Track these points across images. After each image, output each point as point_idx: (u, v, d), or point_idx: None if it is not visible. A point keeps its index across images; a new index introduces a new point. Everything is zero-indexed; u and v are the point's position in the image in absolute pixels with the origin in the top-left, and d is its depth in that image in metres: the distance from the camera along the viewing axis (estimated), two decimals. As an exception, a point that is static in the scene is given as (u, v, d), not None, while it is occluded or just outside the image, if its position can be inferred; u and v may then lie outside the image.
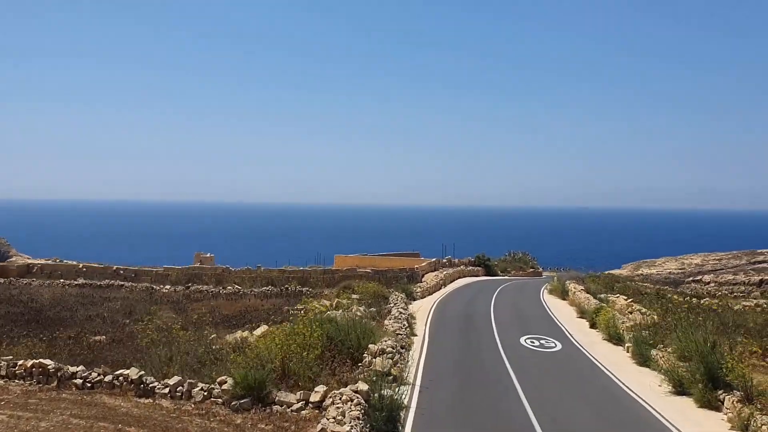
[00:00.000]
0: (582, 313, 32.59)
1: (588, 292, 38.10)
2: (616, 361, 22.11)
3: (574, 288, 39.18)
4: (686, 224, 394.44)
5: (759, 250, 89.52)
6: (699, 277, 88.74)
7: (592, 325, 29.25)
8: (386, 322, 24.54)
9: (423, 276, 50.15)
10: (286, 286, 43.65)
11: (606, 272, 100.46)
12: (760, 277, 75.85)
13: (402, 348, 20.87)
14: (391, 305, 29.58)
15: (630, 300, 36.59)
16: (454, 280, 53.55)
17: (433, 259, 57.64)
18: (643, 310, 32.37)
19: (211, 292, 38.53)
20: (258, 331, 24.15)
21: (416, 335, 25.69)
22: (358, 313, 27.95)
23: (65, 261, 53.75)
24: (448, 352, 22.63)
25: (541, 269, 79.63)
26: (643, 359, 21.59)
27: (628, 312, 32.86)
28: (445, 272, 51.92)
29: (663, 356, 20.28)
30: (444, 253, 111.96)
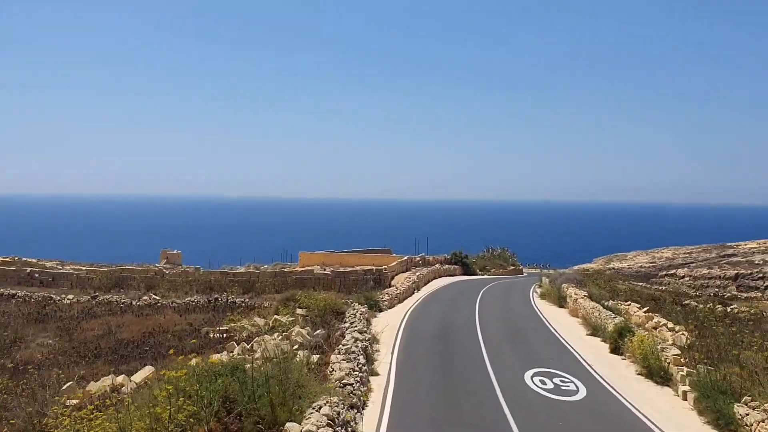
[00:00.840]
0: (594, 330, 25.13)
1: (591, 298, 30.80)
2: (677, 420, 14.57)
3: (574, 294, 31.79)
4: (656, 218, 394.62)
5: (728, 244, 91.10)
6: (672, 271, 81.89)
7: (614, 349, 21.76)
8: (334, 357, 16.68)
9: (392, 278, 42.41)
10: (225, 293, 35.50)
11: (577, 266, 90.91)
12: (736, 271, 69.26)
13: (352, 410, 13.00)
14: (346, 325, 21.72)
15: (646, 309, 29.39)
16: (428, 282, 45.94)
17: (405, 257, 49.96)
18: (669, 324, 25.18)
19: (122, 303, 30.16)
20: (138, 376, 16.07)
21: (378, 374, 17.88)
22: (299, 339, 20.07)
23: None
24: (424, 409, 14.84)
25: (521, 267, 72.59)
26: (717, 418, 14.08)
27: (651, 327, 25.63)
28: (418, 273, 44.26)
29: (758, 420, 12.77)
30: (417, 249, 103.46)
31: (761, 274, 70.21)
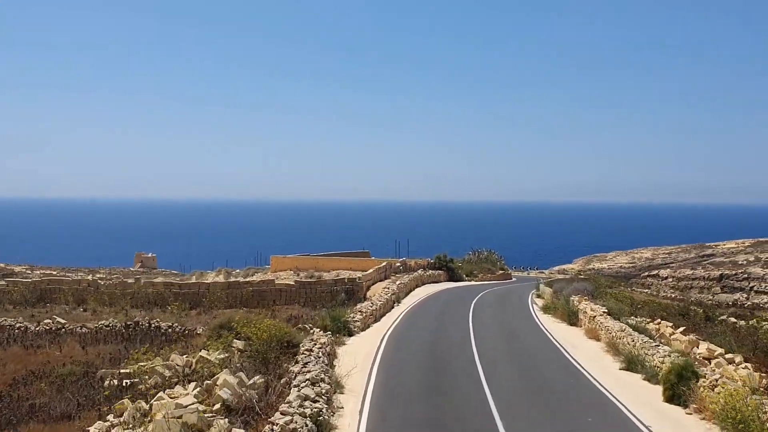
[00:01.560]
0: (629, 363, 18.88)
1: (612, 315, 24.65)
2: None
3: (590, 310, 25.60)
4: (635, 218, 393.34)
5: (707, 244, 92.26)
6: (655, 272, 79.06)
7: (670, 397, 15.50)
8: (266, 430, 10.17)
9: (368, 289, 35.98)
10: (168, 308, 28.74)
11: (558, 267, 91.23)
12: (720, 272, 65.82)
13: None
14: (297, 368, 15.19)
15: (684, 330, 23.33)
16: (410, 291, 39.58)
17: (383, 263, 43.58)
18: (716, 350, 19.16)
19: (17, 327, 23.24)
20: None
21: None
22: (224, 394, 13.56)
23: None
24: None
25: (510, 271, 66.66)
26: None
27: (701, 357, 19.52)
28: (398, 282, 37.84)
29: None
30: (397, 251, 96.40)
31: (746, 275, 65.77)
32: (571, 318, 27.32)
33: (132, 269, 68.23)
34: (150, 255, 70.22)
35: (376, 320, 27.20)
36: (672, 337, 22.24)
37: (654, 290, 68.24)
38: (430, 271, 50.17)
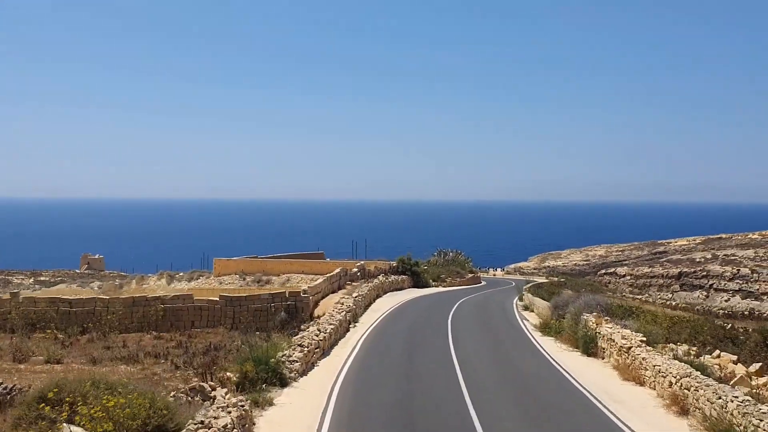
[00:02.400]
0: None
1: (647, 342, 17.57)
2: None
3: (621, 337, 18.38)
4: (587, 217, 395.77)
5: (659, 241, 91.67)
6: (612, 270, 77.56)
7: None
8: None
9: (317, 304, 28.17)
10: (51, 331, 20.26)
11: (513, 265, 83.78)
12: (679, 270, 63.86)
13: None
14: None
15: (758, 368, 16.42)
16: (370, 304, 31.97)
17: (337, 269, 35.79)
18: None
19: None
20: None
21: None
22: None
23: None
24: None
25: (479, 273, 59.79)
26: None
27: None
28: (356, 293, 30.08)
29: None
30: (355, 252, 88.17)
31: (704, 272, 63.83)
32: (587, 345, 20.15)
33: (78, 271, 64.76)
34: (97, 256, 67.60)
35: (324, 354, 19.43)
36: (752, 381, 15.29)
37: (613, 288, 64.94)
38: (393, 277, 42.71)
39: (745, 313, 53.51)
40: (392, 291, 40.64)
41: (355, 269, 38.53)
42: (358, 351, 20.08)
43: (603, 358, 19.32)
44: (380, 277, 39.76)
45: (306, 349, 17.53)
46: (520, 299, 36.26)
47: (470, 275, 53.98)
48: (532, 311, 31.02)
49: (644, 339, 17.76)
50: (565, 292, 35.36)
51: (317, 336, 19.50)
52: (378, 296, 35.83)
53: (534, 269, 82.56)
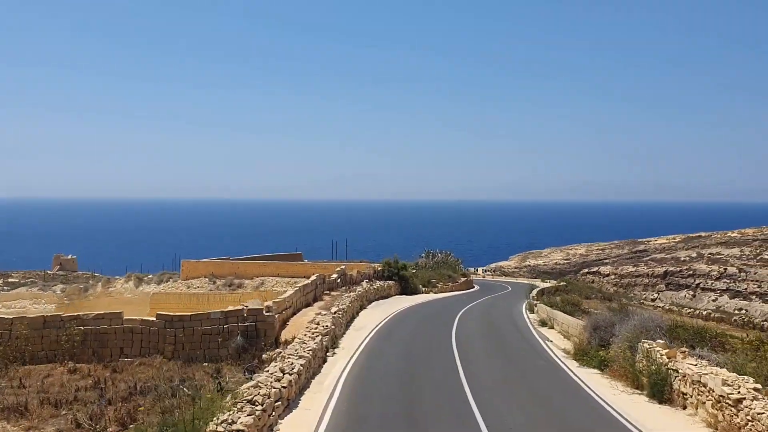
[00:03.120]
0: None
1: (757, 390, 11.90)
2: None
3: (718, 380, 12.59)
4: (566, 216, 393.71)
5: (639, 240, 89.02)
6: (595, 269, 73.95)
7: None
8: None
9: (284, 324, 22.04)
10: None
11: (494, 264, 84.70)
12: (664, 269, 61.10)
13: None
14: None
15: None
16: (353, 319, 25.97)
17: (313, 276, 29.60)
18: None
19: None
20: None
21: None
22: None
23: None
24: None
25: (471, 276, 54.08)
26: None
27: None
28: (335, 308, 23.98)
29: None
30: (335, 252, 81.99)
31: (691, 271, 61.13)
32: (658, 388, 14.38)
33: (50, 272, 62.28)
34: (70, 257, 66.13)
35: (289, 407, 13.38)
36: None
37: (597, 287, 61.28)
38: (378, 283, 36.74)
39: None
40: (378, 299, 34.73)
41: (335, 275, 32.48)
42: (339, 399, 14.06)
43: (684, 408, 13.57)
44: (364, 284, 33.82)
45: (260, 407, 11.45)
46: (530, 310, 30.66)
47: (463, 279, 48.23)
48: (552, 328, 25.31)
49: (757, 386, 12.05)
50: (596, 307, 29.97)
51: (280, 380, 13.44)
52: (362, 307, 29.87)
53: (515, 268, 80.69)
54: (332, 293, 29.26)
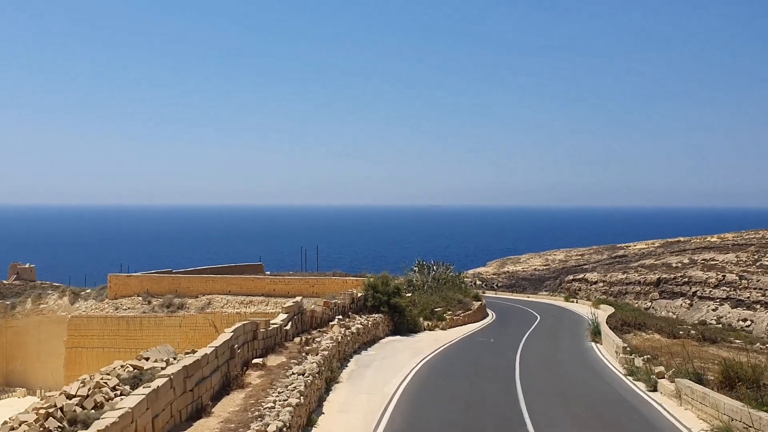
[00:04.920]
0: None
1: None
2: None
3: None
4: (542, 221, 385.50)
5: (619, 245, 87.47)
6: (581, 275, 71.14)
7: None
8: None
9: None
10: None
11: (472, 270, 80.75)
12: (657, 276, 58.22)
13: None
14: None
15: None
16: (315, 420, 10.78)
17: (226, 333, 14.15)
18: None
19: None
20: None
21: None
22: None
23: None
24: None
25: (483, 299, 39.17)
26: None
27: None
28: (292, 386, 8.90)
29: None
30: (305, 262, 68.82)
31: (686, 279, 57.94)
32: None
33: (6, 282, 59.37)
34: (28, 266, 60.44)
35: None
36: None
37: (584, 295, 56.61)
38: (359, 321, 21.92)
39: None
40: (359, 349, 20.01)
41: (282, 317, 17.29)
42: None
43: None
44: (335, 330, 18.88)
45: None
46: (630, 372, 16.73)
47: (476, 304, 33.53)
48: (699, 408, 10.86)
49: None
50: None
51: None
52: (333, 381, 15.14)
53: (493, 275, 78.78)
54: (269, 361, 14.21)
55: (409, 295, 29.09)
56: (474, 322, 31.37)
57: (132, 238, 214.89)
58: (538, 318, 35.16)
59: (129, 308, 38.86)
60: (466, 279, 45.16)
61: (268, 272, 56.91)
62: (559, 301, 49.03)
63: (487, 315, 35.61)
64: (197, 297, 38.32)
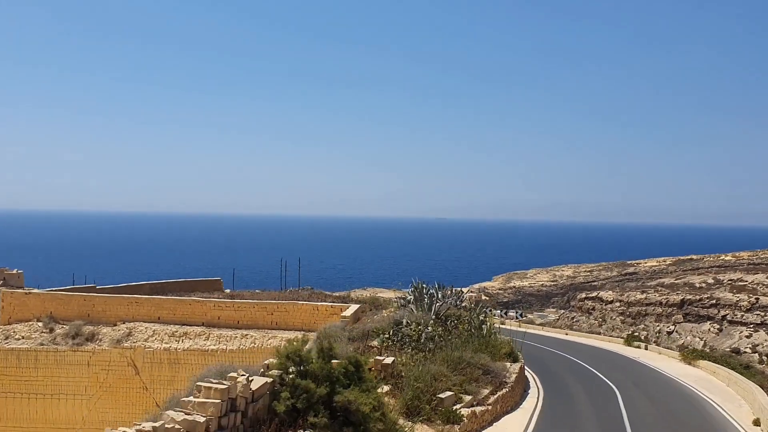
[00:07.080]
0: None
1: None
2: None
3: None
4: (551, 236, 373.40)
5: (629, 261, 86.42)
6: (594, 293, 67.96)
7: None
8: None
9: None
10: None
11: (477, 285, 79.65)
12: (681, 297, 53.42)
13: None
14: None
15: None
16: None
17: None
18: None
19: None
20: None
21: None
22: None
23: None
24: None
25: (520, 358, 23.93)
26: None
27: None
28: None
29: None
30: (284, 276, 61.15)
31: (713, 300, 53.34)
32: None
33: None
34: (15, 271, 58.90)
35: None
36: None
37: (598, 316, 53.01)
38: None
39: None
40: None
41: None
42: None
43: None
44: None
45: None
46: None
47: (513, 370, 18.43)
48: None
49: None
50: None
51: None
52: None
53: (499, 290, 78.41)
54: None
55: (403, 364, 13.92)
56: (511, 411, 16.46)
57: (112, 246, 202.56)
58: (616, 390, 20.61)
59: (24, 337, 32.71)
60: (485, 309, 27.84)
61: (227, 290, 47.18)
62: (615, 345, 36.25)
63: (528, 385, 20.69)
64: (115, 325, 32.63)
